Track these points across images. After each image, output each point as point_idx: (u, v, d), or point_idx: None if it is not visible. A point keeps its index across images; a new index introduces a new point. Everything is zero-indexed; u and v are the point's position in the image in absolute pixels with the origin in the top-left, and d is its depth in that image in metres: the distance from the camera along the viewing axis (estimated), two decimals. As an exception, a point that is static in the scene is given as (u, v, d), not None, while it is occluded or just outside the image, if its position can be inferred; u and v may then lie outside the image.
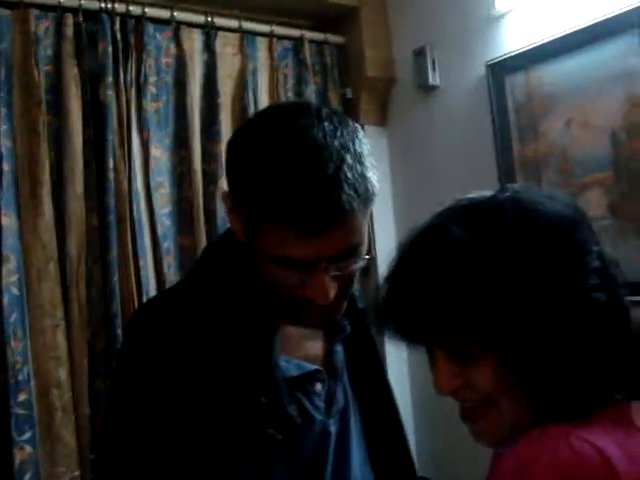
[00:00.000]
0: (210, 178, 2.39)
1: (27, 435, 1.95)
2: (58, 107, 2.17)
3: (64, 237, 2.11)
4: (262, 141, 0.97)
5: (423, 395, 2.60)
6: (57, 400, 2.01)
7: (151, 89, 2.34)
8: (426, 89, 2.59)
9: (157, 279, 2.29)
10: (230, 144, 1.03)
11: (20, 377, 1.95)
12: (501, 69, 2.32)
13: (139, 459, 1.00)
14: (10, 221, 2.02)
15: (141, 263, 2.23)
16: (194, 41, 2.46)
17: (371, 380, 1.22)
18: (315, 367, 1.11)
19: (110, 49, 2.24)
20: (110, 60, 2.23)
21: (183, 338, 1.03)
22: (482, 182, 2.35)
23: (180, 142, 2.39)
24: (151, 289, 2.25)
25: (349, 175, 0.93)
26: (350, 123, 1.01)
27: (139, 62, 2.32)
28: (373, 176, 0.99)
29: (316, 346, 1.15)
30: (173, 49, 2.42)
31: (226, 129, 2.43)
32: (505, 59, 2.32)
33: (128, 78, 2.28)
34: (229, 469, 1.00)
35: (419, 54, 2.59)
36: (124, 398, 1.05)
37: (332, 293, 0.99)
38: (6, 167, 2.04)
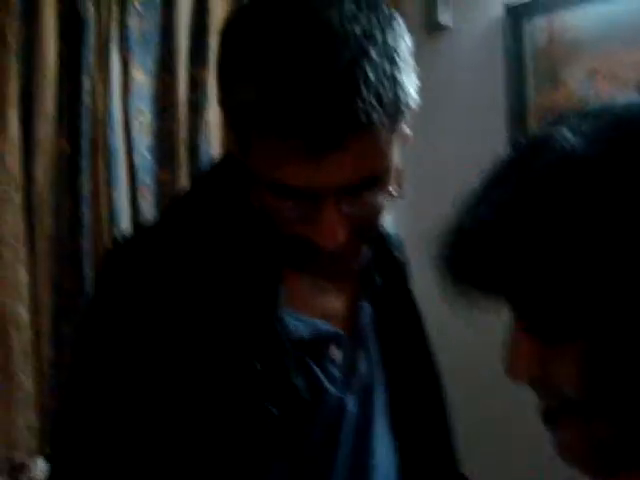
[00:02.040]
0: (195, 109, 2.20)
1: (-18, 378, 1.79)
2: (30, 15, 1.94)
3: (31, 163, 1.92)
4: (255, 25, 0.75)
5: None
6: (16, 341, 1.84)
7: (136, 5, 2.12)
8: (435, 29, 2.40)
9: (132, 215, 2.12)
10: (221, 30, 0.81)
11: (-25, 315, 1.79)
12: (520, 11, 2.16)
13: (107, 433, 0.83)
14: (-29, 140, 1.83)
15: (115, 196, 2.05)
16: (185, -45, 2.24)
17: (407, 349, 0.99)
18: (332, 328, 0.90)
19: (92, -44, 2.02)
20: (91, -32, 2.02)
21: (166, 285, 0.83)
22: (490, 133, 2.22)
23: (164, 67, 2.19)
24: (125, 225, 2.08)
25: (370, 75, 0.71)
26: (385, 9, 0.77)
27: (123, -27, 2.11)
28: (409, 81, 0.76)
29: (336, 302, 0.93)
30: (162, -38, 2.20)
31: (215, 55, 2.24)
32: (526, 1, 2.14)
33: (110, -9, 2.07)
34: (214, 453, 0.83)
35: (429, -11, 2.40)
36: (94, 355, 0.87)
37: (342, 235, 0.77)
38: (-32, 78, 1.84)
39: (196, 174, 2.12)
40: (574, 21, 2.03)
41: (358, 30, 0.72)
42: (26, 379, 1.85)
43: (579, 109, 0.61)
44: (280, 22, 0.73)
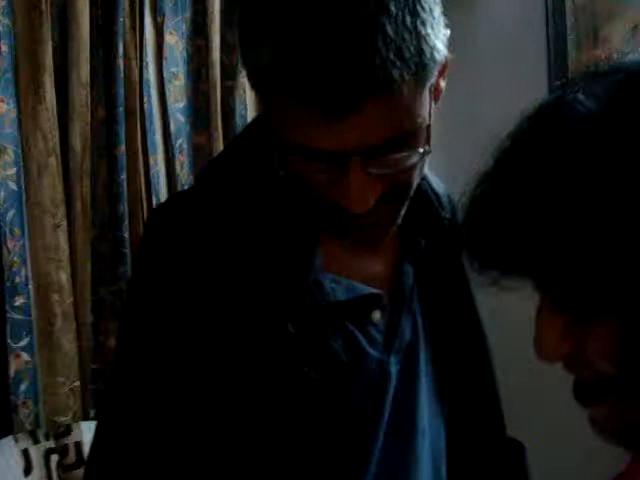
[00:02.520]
0: (229, 71, 2.19)
1: (24, 342, 1.82)
2: (64, -19, 1.94)
3: (67, 129, 1.92)
4: None
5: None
6: (57, 305, 1.86)
7: (168, -32, 2.11)
8: (474, -15, 2.33)
9: (168, 179, 2.13)
10: None
11: (17, 279, 1.81)
12: (561, -36, 2.07)
13: (151, 394, 0.84)
14: (8, 108, 1.83)
15: (151, 161, 2.07)
16: None
17: (451, 311, 0.95)
18: (372, 290, 0.86)
19: None
20: None
21: (205, 251, 0.83)
22: (531, 91, 2.16)
23: (197, 30, 2.18)
24: (161, 190, 2.10)
25: (390, 30, 0.66)
26: None
27: None
28: (434, 34, 0.70)
29: (377, 265, 0.89)
30: None
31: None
32: (566, -46, 2.06)
33: (142, -46, 2.05)
34: (253, 416, 0.82)
35: (465, -57, 2.33)
36: (139, 320, 0.87)
37: (371, 199, 0.74)
38: (4, 47, 1.83)
39: (231, 138, 2.10)
40: (616, -26, 1.96)
41: None
42: (68, 343, 1.88)
43: (588, 71, 0.57)
44: None
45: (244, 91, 2.19)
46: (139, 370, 0.86)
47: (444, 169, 1.06)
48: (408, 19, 0.68)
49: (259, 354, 0.82)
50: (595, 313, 0.53)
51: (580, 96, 0.54)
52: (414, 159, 0.76)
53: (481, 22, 2.34)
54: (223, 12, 2.19)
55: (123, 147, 1.99)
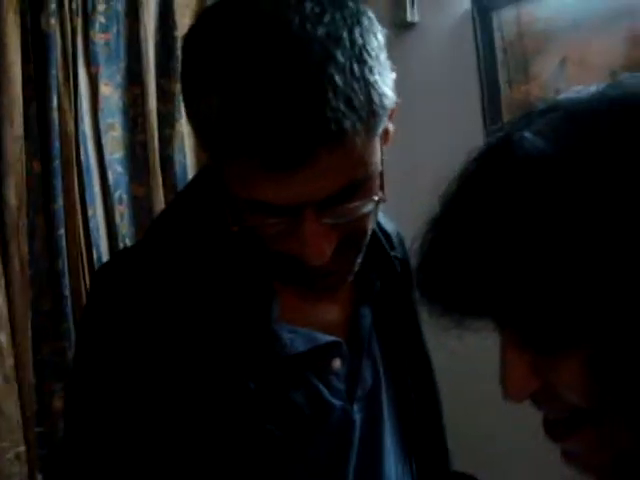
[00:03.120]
0: (166, 120, 2.17)
1: (-37, 408, 1.74)
2: (-7, 36, 1.91)
3: (1, 185, 1.87)
4: (212, 34, 0.70)
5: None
6: (-3, 368, 1.79)
7: (100, 18, 2.09)
8: (404, 27, 2.36)
9: (108, 232, 2.08)
10: (182, 43, 0.75)
11: (-47, 343, 1.74)
12: (488, 4, 2.13)
13: (106, 453, 0.80)
14: (-62, 166, 1.78)
15: (90, 213, 2.02)
16: (147, -35, 2.20)
17: (408, 350, 0.94)
18: (331, 338, 0.84)
19: (52, -29, 1.98)
20: (53, -16, 1.97)
21: (158, 308, 0.79)
22: (465, 129, 2.20)
23: (132, 79, 2.16)
24: (102, 243, 2.05)
25: (338, 80, 0.65)
26: (352, 5, 0.70)
27: (85, -13, 2.06)
28: (382, 80, 0.70)
29: (333, 311, 0.88)
30: (124, -26, 2.16)
31: (183, 66, 2.20)
32: (492, -7, 2.12)
33: (74, 5, 2.01)
34: (212, 474, 0.79)
35: (395, -13, 2.37)
36: (90, 386, 0.83)
37: (328, 250, 0.73)
38: None
39: (176, 189, 2.08)
40: (542, 11, 2.01)
41: (321, 32, 0.66)
42: (10, 406, 1.80)
43: (531, 109, 0.58)
44: (236, 33, 0.68)
45: (182, 139, 2.18)
46: (92, 435, 0.81)
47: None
48: (356, 67, 0.67)
49: (219, 412, 0.79)
50: (562, 346, 0.53)
51: (527, 134, 0.54)
52: (369, 207, 0.75)
53: (411, 64, 2.37)
54: (157, 60, 2.19)
55: (60, 201, 1.94)
